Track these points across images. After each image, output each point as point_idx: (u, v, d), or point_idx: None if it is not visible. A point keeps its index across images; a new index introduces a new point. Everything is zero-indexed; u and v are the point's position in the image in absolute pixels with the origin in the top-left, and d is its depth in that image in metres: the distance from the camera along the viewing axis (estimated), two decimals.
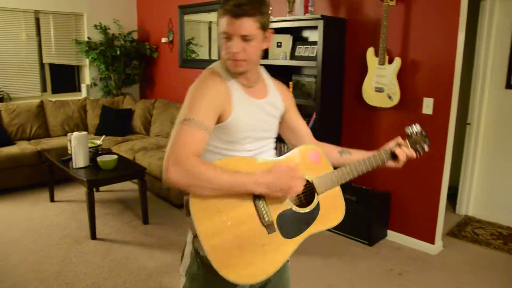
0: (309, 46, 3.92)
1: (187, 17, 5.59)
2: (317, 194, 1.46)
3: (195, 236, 1.27)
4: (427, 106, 3.32)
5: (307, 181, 1.44)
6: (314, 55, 3.82)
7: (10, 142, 4.93)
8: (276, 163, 1.39)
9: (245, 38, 1.33)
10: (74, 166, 3.81)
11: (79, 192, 4.67)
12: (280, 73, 4.14)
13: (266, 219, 1.34)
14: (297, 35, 4.09)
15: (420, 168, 3.43)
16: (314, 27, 3.77)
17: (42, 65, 5.77)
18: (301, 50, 3.98)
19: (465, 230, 3.92)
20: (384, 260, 3.34)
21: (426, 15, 3.25)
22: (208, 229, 1.27)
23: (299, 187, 1.34)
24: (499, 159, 4.04)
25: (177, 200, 4.28)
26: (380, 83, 3.44)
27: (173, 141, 1.26)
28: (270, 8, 4.04)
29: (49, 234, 3.67)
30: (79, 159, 3.80)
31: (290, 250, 1.40)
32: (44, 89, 5.89)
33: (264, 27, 1.37)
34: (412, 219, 3.55)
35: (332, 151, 1.66)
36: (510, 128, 3.95)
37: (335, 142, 3.90)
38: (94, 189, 4.08)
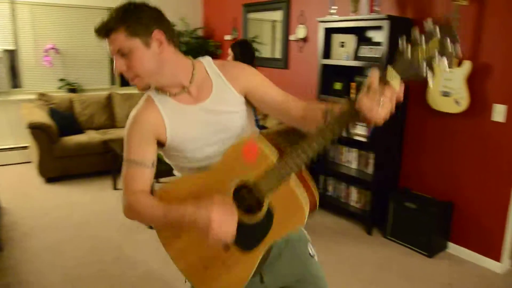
0: (373, 46, 3.80)
1: (251, 15, 5.63)
2: (264, 198, 1.22)
3: None
4: (499, 113, 3.10)
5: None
6: (378, 56, 3.70)
7: (80, 130, 5.24)
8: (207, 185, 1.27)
9: (122, 54, 1.23)
10: None
11: None
12: (343, 74, 4.06)
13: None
14: (361, 35, 3.99)
15: (488, 178, 3.22)
16: (379, 27, 3.66)
17: (111, 59, 6.05)
18: (365, 51, 3.87)
19: None
20: (443, 273, 3.17)
21: (501, 15, 3.03)
22: (176, 253, 1.39)
23: (232, 227, 1.19)
24: None
25: None
26: (448, 87, 3.27)
27: (122, 184, 1.36)
28: (334, 8, 3.97)
29: (109, 221, 3.85)
30: None
31: (254, 261, 1.27)
32: (112, 82, 6.19)
33: (139, 33, 1.22)
34: (476, 232, 3.34)
35: (318, 114, 1.19)
36: None
37: (398, 147, 3.77)
38: (154, 180, 4.22)
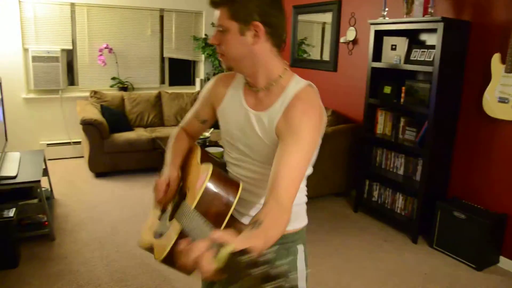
0: (426, 50, 3.68)
1: (300, 17, 5.62)
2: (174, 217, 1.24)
3: None
4: None
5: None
6: (431, 59, 3.58)
7: (129, 128, 5.41)
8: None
9: (220, 29, 1.21)
10: None
11: None
12: (393, 77, 3.96)
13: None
14: (413, 38, 3.88)
15: None
16: (433, 30, 3.54)
17: (162, 59, 6.23)
18: (417, 54, 3.76)
19: None
20: None
21: None
22: None
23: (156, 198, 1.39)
24: None
25: None
26: (505, 93, 3.11)
27: None
28: (386, 9, 3.88)
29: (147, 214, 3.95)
30: None
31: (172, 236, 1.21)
32: (162, 81, 6.35)
33: (239, 18, 1.18)
34: None
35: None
36: None
37: (448, 154, 3.64)
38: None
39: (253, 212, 1.35)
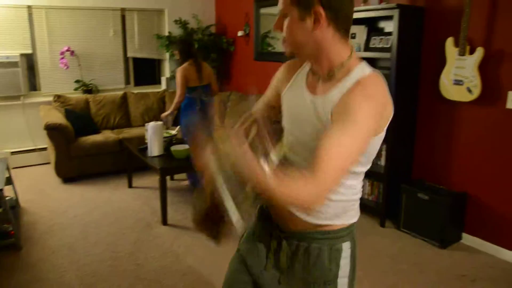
0: (384, 37, 3.76)
1: (263, 10, 5.63)
2: None
3: None
4: None
5: None
6: (388, 46, 3.66)
7: (96, 130, 5.33)
8: None
9: (283, 14, 1.20)
10: (149, 155, 4.02)
11: (154, 180, 4.91)
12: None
13: None
14: (372, 26, 3.94)
15: (503, 168, 3.15)
16: (389, 17, 3.61)
17: (126, 59, 6.15)
18: (375, 42, 3.83)
19: None
20: (457, 264, 3.12)
21: None
22: None
23: None
24: None
25: None
26: (459, 75, 3.21)
27: None
28: None
29: (125, 218, 3.92)
30: (154, 148, 4.00)
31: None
32: (127, 82, 6.27)
33: (300, 3, 1.15)
34: (491, 222, 3.28)
35: None
36: None
37: (409, 137, 3.73)
38: (169, 178, 4.29)
39: (318, 215, 1.29)
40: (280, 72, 1.43)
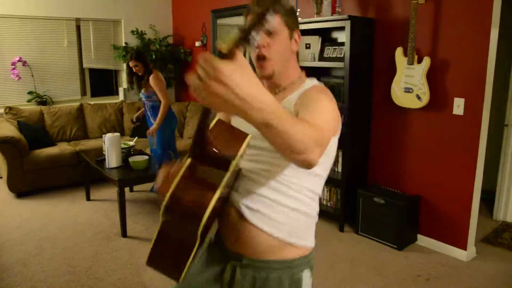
0: (337, 47, 3.88)
1: (220, 21, 5.68)
2: None
3: None
4: (458, 106, 3.21)
5: None
6: (342, 56, 3.78)
7: (51, 143, 5.18)
8: None
9: (270, 32, 1.26)
10: (107, 166, 3.94)
11: (113, 192, 4.83)
12: (309, 75, 4.12)
13: None
14: (325, 36, 4.07)
15: (451, 171, 3.32)
16: (342, 28, 3.74)
17: (82, 70, 6.03)
18: (329, 51, 3.95)
19: (502, 236, 3.75)
20: (412, 265, 3.24)
21: (456, 12, 3.15)
22: None
23: None
24: None
25: None
26: (409, 83, 3.36)
27: None
28: (298, 10, 4.05)
29: (83, 231, 3.82)
30: (112, 160, 3.93)
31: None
32: (83, 93, 6.14)
33: (289, 25, 1.30)
34: (443, 223, 3.43)
35: None
36: None
37: (364, 143, 3.85)
38: (128, 189, 4.23)
39: (265, 209, 1.25)
40: None
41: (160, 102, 4.34)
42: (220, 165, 1.09)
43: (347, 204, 3.80)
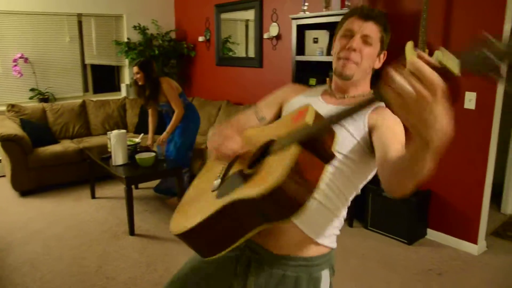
0: None
1: (223, 16, 5.63)
2: (268, 155, 1.11)
3: None
4: (470, 100, 3.18)
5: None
6: None
7: (54, 140, 5.13)
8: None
9: (365, 40, 1.30)
10: (113, 164, 3.90)
11: (119, 189, 4.79)
12: (317, 70, 4.09)
13: (218, 175, 1.26)
14: (333, 30, 4.01)
15: (462, 165, 3.29)
16: None
17: (84, 66, 5.98)
18: None
19: (511, 230, 3.74)
20: (423, 259, 3.23)
21: (469, 5, 3.11)
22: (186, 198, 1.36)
23: (230, 147, 1.17)
24: None
25: None
26: None
27: None
28: (306, 4, 4.00)
29: (90, 230, 3.79)
30: (118, 157, 3.89)
31: (208, 212, 1.09)
32: (86, 89, 6.09)
33: (383, 42, 1.34)
34: (454, 217, 3.41)
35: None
36: None
37: None
38: (133, 186, 4.19)
39: (306, 220, 1.23)
40: (282, 90, 1.50)
41: (184, 104, 4.28)
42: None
43: (356, 199, 3.76)
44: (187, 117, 4.28)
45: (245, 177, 1.11)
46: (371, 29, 1.30)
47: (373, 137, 1.22)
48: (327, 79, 1.32)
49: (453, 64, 0.73)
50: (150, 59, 4.69)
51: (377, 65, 1.37)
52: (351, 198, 1.34)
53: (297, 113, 1.16)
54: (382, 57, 1.38)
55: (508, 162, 4.07)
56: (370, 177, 1.35)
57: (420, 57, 0.74)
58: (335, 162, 1.23)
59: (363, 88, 1.38)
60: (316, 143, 1.01)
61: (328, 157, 1.03)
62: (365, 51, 1.30)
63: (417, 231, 3.53)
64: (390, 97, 0.75)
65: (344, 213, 1.35)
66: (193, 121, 4.38)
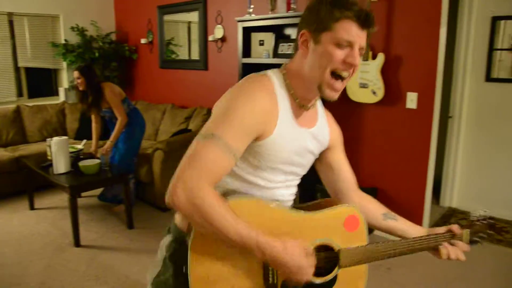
0: (292, 43, 3.90)
1: (166, 17, 5.51)
2: (339, 267, 1.25)
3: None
4: (411, 100, 3.34)
5: (332, 249, 1.26)
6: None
7: None
8: (292, 232, 1.18)
9: (360, 53, 1.13)
10: (55, 172, 3.70)
11: (60, 199, 4.55)
12: None
13: (270, 281, 1.17)
14: (279, 33, 4.07)
15: (406, 163, 3.45)
16: (296, 25, 3.75)
17: (17, 69, 5.60)
18: (284, 48, 3.96)
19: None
20: None
21: (408, 10, 3.26)
22: (203, 274, 1.12)
23: (308, 276, 1.13)
24: (480, 151, 4.10)
25: (162, 203, 4.21)
26: (364, 79, 3.44)
27: (190, 159, 1.05)
28: (251, 6, 4.01)
29: (30, 243, 3.56)
30: (60, 165, 3.69)
31: None
32: (20, 94, 5.72)
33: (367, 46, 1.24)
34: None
35: (375, 211, 1.46)
36: (490, 120, 4.01)
37: None
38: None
39: None
40: (262, 107, 1.13)
41: (128, 109, 4.12)
42: None
43: (307, 200, 3.83)
44: (131, 122, 4.14)
45: None
46: (364, 38, 1.13)
47: (329, 154, 1.41)
48: (276, 74, 1.21)
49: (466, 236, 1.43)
50: (91, 63, 4.47)
51: None
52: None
53: (349, 218, 1.28)
54: None
55: (445, 157, 4.32)
56: None
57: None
58: (298, 182, 1.38)
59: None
60: None
61: (390, 257, 1.38)
62: (358, 67, 1.16)
63: None
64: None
65: None
66: (138, 126, 4.25)
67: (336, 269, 1.26)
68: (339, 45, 1.10)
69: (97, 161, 3.79)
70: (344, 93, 3.62)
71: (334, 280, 1.27)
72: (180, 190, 1.02)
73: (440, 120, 3.39)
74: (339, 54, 1.11)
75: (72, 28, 5.75)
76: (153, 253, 1.31)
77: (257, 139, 1.14)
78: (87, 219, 4.03)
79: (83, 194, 4.64)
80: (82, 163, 3.70)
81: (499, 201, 3.99)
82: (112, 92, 3.99)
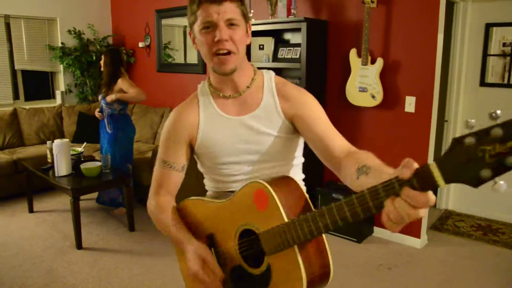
0: (291, 48, 3.96)
1: (164, 22, 5.54)
2: (266, 255, 1.12)
3: None
4: (410, 104, 3.41)
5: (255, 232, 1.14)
6: (297, 57, 3.86)
7: None
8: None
9: (231, 23, 1.16)
10: (56, 175, 3.70)
11: (60, 201, 4.54)
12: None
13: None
14: (278, 37, 4.13)
15: None
16: (296, 29, 3.82)
17: (14, 71, 5.59)
18: (283, 52, 4.02)
19: (446, 223, 4.04)
20: (373, 256, 3.40)
21: (407, 16, 3.34)
22: (185, 270, 1.31)
23: (207, 279, 1.15)
24: None
25: None
26: (364, 83, 3.51)
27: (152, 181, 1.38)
28: (251, 11, 4.07)
29: (31, 246, 3.55)
30: (62, 167, 3.70)
31: None
32: (16, 97, 5.70)
33: (245, 16, 1.22)
34: None
35: (350, 167, 1.10)
36: (485, 124, 4.08)
37: None
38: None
39: None
40: (176, 122, 1.32)
41: (120, 111, 4.10)
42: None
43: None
44: (117, 127, 4.11)
45: (258, 281, 1.15)
46: (231, 10, 1.15)
47: (299, 127, 1.28)
48: (203, 82, 1.35)
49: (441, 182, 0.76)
50: (119, 49, 4.54)
51: (248, 40, 1.25)
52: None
53: (256, 195, 1.11)
54: (249, 29, 1.26)
55: None
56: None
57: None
58: (275, 169, 1.33)
59: (247, 72, 1.29)
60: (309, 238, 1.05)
61: (321, 233, 1.04)
62: (236, 37, 1.17)
63: (365, 229, 3.71)
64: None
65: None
66: (124, 130, 4.17)
67: (265, 258, 1.12)
68: (205, 29, 1.17)
69: (98, 163, 3.80)
70: (343, 96, 3.69)
71: (268, 274, 1.12)
72: (147, 206, 1.38)
73: (436, 124, 3.46)
74: (209, 38, 1.17)
75: (69, 31, 5.75)
76: (155, 255, 1.41)
77: (192, 143, 1.32)
78: (88, 222, 4.04)
79: (82, 197, 4.64)
80: (84, 166, 3.71)
81: (494, 203, 4.08)
82: (125, 79, 4.06)
